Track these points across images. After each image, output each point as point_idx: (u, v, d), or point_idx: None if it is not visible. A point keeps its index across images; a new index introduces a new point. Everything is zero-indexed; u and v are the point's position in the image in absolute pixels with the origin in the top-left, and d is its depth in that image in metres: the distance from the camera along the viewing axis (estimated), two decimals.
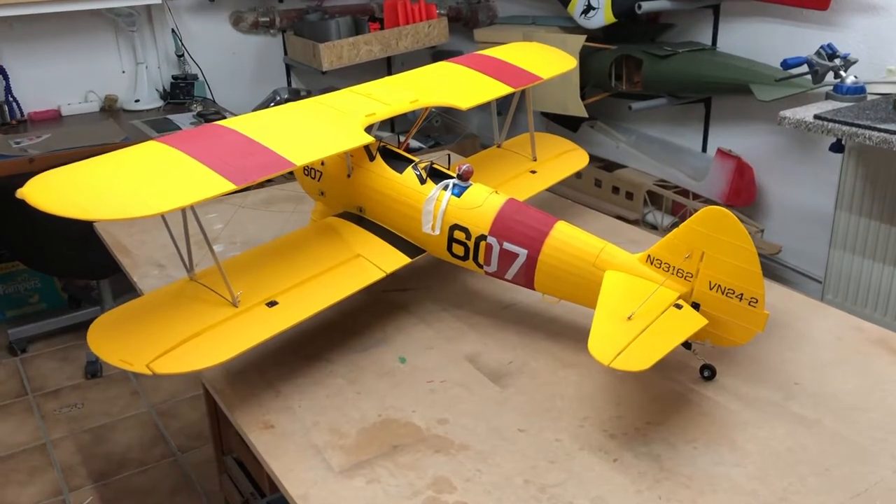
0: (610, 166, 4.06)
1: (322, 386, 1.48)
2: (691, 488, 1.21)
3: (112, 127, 3.66)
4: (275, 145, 1.46)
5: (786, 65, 2.81)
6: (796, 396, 1.41)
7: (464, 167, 1.64)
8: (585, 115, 3.80)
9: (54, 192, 1.25)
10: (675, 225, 3.82)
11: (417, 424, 1.37)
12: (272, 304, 1.46)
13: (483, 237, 1.58)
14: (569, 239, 1.52)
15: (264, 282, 1.51)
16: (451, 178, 1.66)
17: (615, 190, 3.96)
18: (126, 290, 3.76)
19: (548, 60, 2.14)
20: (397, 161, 1.72)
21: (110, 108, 3.98)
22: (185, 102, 4.04)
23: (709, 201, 3.66)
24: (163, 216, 1.32)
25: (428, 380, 1.50)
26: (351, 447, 1.32)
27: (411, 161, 1.71)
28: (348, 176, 1.75)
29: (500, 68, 2.00)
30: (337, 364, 1.55)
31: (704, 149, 3.84)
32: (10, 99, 3.72)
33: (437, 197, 1.63)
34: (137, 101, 4.03)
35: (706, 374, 1.47)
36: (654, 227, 3.82)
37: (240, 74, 4.38)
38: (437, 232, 1.63)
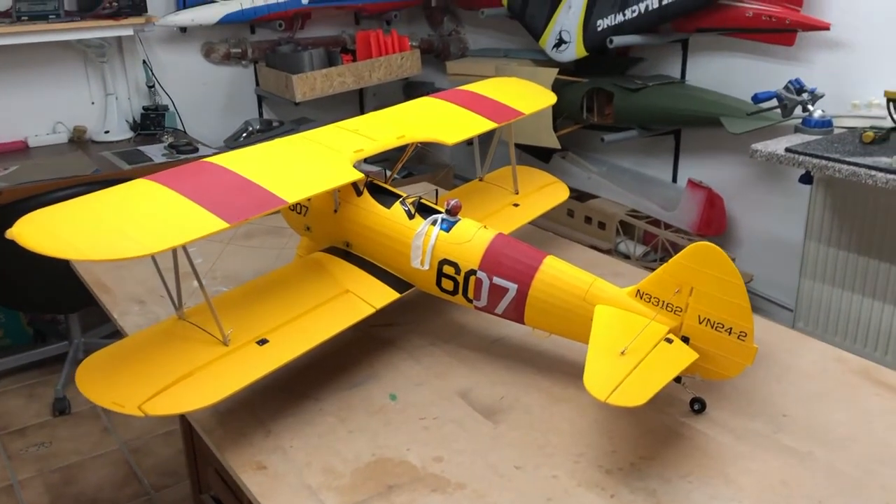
0: (582, 196, 4.11)
1: (313, 425, 1.47)
2: None
3: (82, 159, 3.62)
4: (265, 182, 1.45)
5: (756, 99, 2.88)
6: (786, 428, 1.43)
7: (452, 202, 1.65)
8: (558, 146, 3.85)
9: (46, 232, 1.23)
10: (646, 255, 3.89)
11: (412, 463, 1.36)
12: (263, 342, 1.44)
13: (473, 272, 1.59)
14: (558, 273, 1.53)
15: (253, 319, 1.49)
16: (440, 212, 1.66)
17: (587, 220, 4.00)
18: (96, 323, 3.70)
19: (528, 96, 2.17)
20: (385, 196, 1.72)
21: (79, 140, 3.93)
22: (156, 133, 4.00)
23: (680, 231, 3.72)
24: (153, 256, 1.31)
25: (420, 416, 1.49)
26: (346, 488, 1.31)
27: (399, 196, 1.71)
28: (335, 211, 1.74)
29: (482, 103, 2.02)
30: (327, 402, 1.54)
31: (675, 179, 3.90)
32: None
33: (425, 232, 1.63)
34: (107, 132, 3.99)
35: (696, 406, 1.48)
36: (626, 257, 3.86)
37: (211, 105, 4.36)
38: (427, 267, 1.63)
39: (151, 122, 4.06)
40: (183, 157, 3.63)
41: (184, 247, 1.35)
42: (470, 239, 1.60)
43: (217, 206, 1.34)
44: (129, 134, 4.04)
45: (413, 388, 1.58)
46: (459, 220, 1.64)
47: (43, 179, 3.25)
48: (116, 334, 3.81)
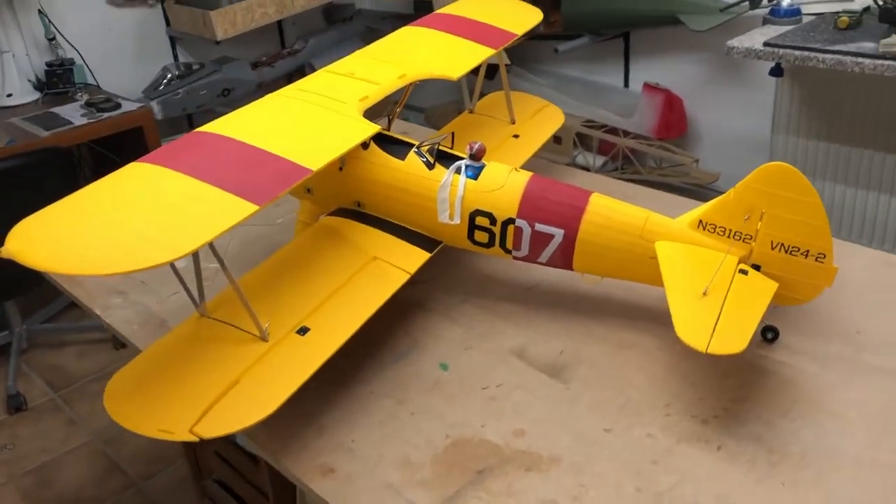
0: None
1: (369, 413, 1.32)
2: (810, 468, 1.14)
3: None
4: (280, 150, 1.26)
5: None
6: (865, 346, 1.37)
7: (476, 145, 1.48)
8: (507, 61, 3.66)
9: (49, 246, 1.02)
10: (605, 165, 3.80)
11: (494, 441, 1.24)
12: (303, 330, 1.27)
13: (511, 220, 1.44)
14: (609, 212, 1.41)
15: (284, 306, 1.32)
16: (462, 158, 1.50)
17: None
18: (35, 307, 3.40)
19: (515, 14, 1.99)
20: (395, 146, 1.54)
21: None
22: (67, 91, 3.62)
23: (639, 137, 3.64)
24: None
25: (482, 386, 1.36)
26: (431, 481, 1.18)
27: (411, 145, 1.54)
28: (340, 169, 1.55)
29: (473, 28, 1.83)
30: (374, 383, 1.39)
31: (626, 84, 3.79)
32: None
33: (451, 182, 1.47)
34: (10, 95, 3.58)
35: (770, 336, 1.40)
36: (586, 169, 3.77)
37: (121, 53, 3.97)
38: (457, 220, 1.47)
39: (59, 78, 3.65)
40: (106, 114, 3.29)
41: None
42: (502, 185, 1.45)
43: (239, 186, 1.15)
44: (36, 95, 3.63)
45: (462, 353, 1.45)
46: (485, 164, 1.49)
47: None
48: (59, 317, 3.53)
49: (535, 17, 2.00)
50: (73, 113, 3.36)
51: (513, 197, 1.44)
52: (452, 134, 1.58)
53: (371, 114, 1.51)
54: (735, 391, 1.30)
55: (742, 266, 1.33)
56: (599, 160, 3.78)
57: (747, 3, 2.76)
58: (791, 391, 1.29)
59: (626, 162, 3.70)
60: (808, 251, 1.30)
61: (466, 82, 2.05)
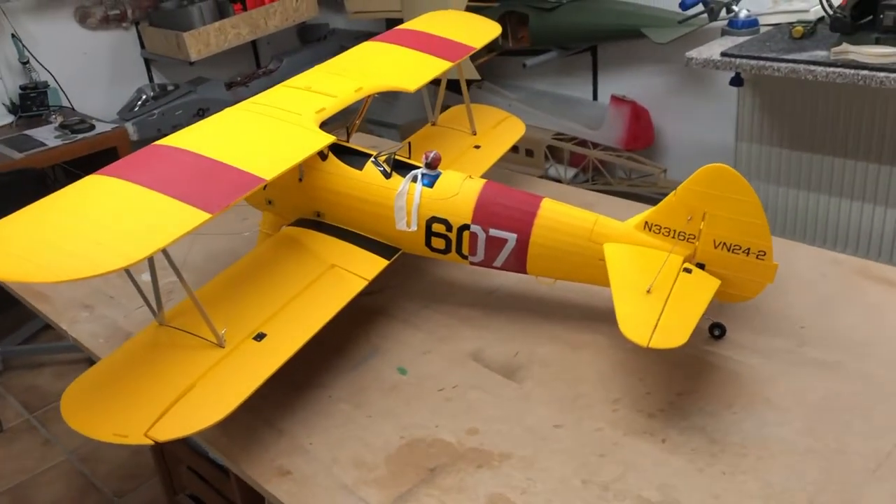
0: None
1: (327, 416, 1.36)
2: (748, 457, 1.18)
3: None
4: (235, 161, 1.29)
5: (684, 5, 2.83)
6: (808, 341, 1.42)
7: (431, 154, 1.53)
8: (478, 77, 3.73)
9: (5, 254, 1.04)
10: (576, 176, 3.86)
11: (447, 440, 1.27)
12: (260, 336, 1.31)
13: (466, 226, 1.48)
14: (559, 216, 1.45)
15: (242, 313, 1.35)
16: (418, 167, 1.54)
17: (514, 149, 3.90)
18: (10, 328, 3.40)
19: (472, 28, 2.04)
20: (352, 157, 1.58)
21: None
22: (41, 114, 3.64)
23: (608, 148, 3.70)
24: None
25: (439, 388, 1.40)
26: (385, 479, 1.21)
27: (368, 155, 1.58)
28: (300, 180, 1.59)
29: (430, 42, 1.88)
30: (334, 388, 1.42)
31: (595, 97, 3.86)
32: None
33: (407, 190, 1.51)
34: None
35: (716, 332, 1.44)
36: (558, 181, 3.82)
37: (96, 76, 4.00)
38: (414, 227, 1.51)
39: (32, 101, 3.68)
40: (80, 136, 3.32)
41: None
42: (457, 192, 1.49)
43: (192, 196, 1.18)
44: (10, 118, 3.66)
45: (421, 357, 1.48)
46: (441, 172, 1.53)
47: None
48: (35, 338, 3.53)
49: (493, 31, 2.05)
50: (47, 135, 3.38)
51: (467, 203, 1.48)
52: (409, 144, 1.62)
53: (331, 127, 1.55)
54: (681, 386, 1.34)
55: (686, 265, 1.37)
56: (571, 172, 3.84)
57: (706, 15, 2.83)
58: (735, 384, 1.33)
59: (596, 173, 3.76)
60: (749, 249, 1.34)
61: (430, 96, 2.10)
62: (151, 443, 1.11)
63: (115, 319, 1.70)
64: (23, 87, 3.70)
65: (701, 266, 1.38)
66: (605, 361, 1.42)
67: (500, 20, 3.70)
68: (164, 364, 1.23)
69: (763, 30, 2.79)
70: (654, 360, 1.40)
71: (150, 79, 4.23)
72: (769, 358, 1.38)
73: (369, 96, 1.69)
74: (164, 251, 1.24)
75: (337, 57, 1.81)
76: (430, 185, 1.51)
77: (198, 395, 1.18)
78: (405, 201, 1.51)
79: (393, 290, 1.69)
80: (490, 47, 3.83)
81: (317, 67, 1.75)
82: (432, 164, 1.53)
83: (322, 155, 1.58)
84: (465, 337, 1.53)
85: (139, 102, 3.82)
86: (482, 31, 2.03)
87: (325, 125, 1.53)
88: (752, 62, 2.52)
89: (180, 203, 1.17)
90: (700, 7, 2.81)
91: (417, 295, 1.67)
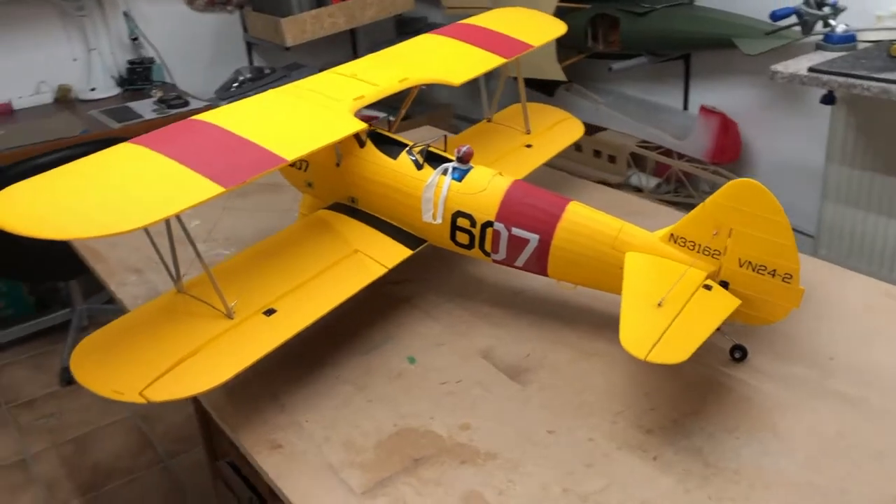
0: (590, 129, 3.95)
1: (329, 396, 1.38)
2: (741, 484, 1.13)
3: (68, 119, 3.48)
4: (261, 139, 1.33)
5: (774, 16, 2.71)
6: (835, 373, 1.34)
7: (463, 149, 1.52)
8: (564, 78, 3.68)
9: (25, 211, 1.12)
10: (659, 186, 3.76)
11: (438, 433, 1.27)
12: (270, 312, 1.34)
13: (489, 223, 1.48)
14: (583, 220, 1.42)
15: (259, 288, 1.39)
16: (450, 161, 1.54)
17: (597, 153, 3.86)
18: (98, 289, 3.61)
19: (535, 26, 2.02)
20: (390, 146, 1.60)
21: (65, 99, 3.78)
22: (143, 88, 3.84)
23: (693, 160, 3.59)
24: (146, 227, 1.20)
25: (442, 381, 1.40)
26: (369, 464, 1.22)
27: (405, 145, 1.59)
28: (337, 165, 1.62)
29: (488, 38, 1.88)
30: (342, 369, 1.44)
31: (686, 106, 3.74)
32: None
33: (436, 183, 1.51)
34: (93, 89, 3.84)
35: (737, 355, 1.38)
36: (638, 190, 3.74)
37: (199, 55, 4.19)
38: (439, 220, 1.52)
39: (138, 76, 3.89)
40: (174, 111, 3.49)
41: (177, 214, 1.23)
42: (484, 188, 1.49)
43: (210, 169, 1.23)
44: (116, 90, 3.88)
45: (433, 349, 1.49)
46: (472, 167, 1.52)
47: (29, 143, 3.12)
48: None
49: (557, 29, 2.03)
50: (145, 108, 3.57)
51: (493, 200, 1.47)
52: (445, 136, 1.62)
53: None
54: (688, 405, 1.29)
55: (708, 281, 1.32)
56: (653, 181, 3.74)
57: (799, 28, 2.70)
58: (744, 409, 1.27)
59: (679, 185, 3.65)
60: (775, 270, 1.28)
61: (487, 92, 2.09)
62: (145, 402, 1.16)
63: (158, 286, 1.77)
64: (130, 62, 3.92)
65: (725, 284, 1.33)
66: (615, 373, 1.38)
67: (591, 23, 3.65)
68: (173, 329, 1.28)
69: (861, 46, 2.64)
70: (665, 376, 1.35)
71: (250, 62, 4.39)
72: (787, 386, 1.31)
73: (415, 87, 1.71)
74: (183, 226, 1.30)
75: (391, 47, 1.83)
76: (460, 179, 1.51)
77: (197, 362, 1.22)
78: (433, 193, 1.51)
79: (421, 282, 1.70)
80: (580, 49, 3.79)
81: (369, 56, 1.77)
82: (464, 159, 1.52)
83: (360, 142, 1.60)
84: (480, 334, 1.52)
85: (235, 84, 3.97)
86: (545, 29, 2.01)
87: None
88: (841, 79, 2.39)
89: (197, 175, 1.21)
90: (793, 19, 2.68)
91: (444, 288, 1.67)
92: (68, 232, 1.09)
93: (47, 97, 3.77)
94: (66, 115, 3.54)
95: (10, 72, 3.68)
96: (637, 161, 3.76)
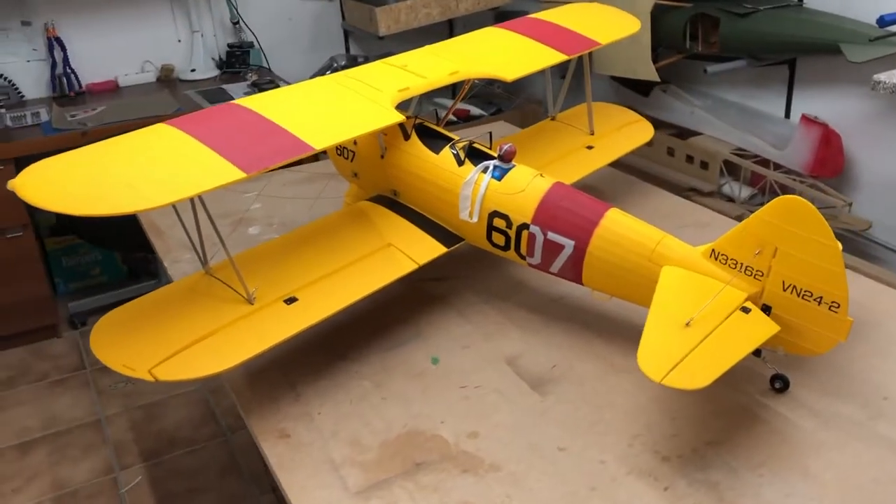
0: (684, 133, 3.79)
1: (346, 389, 1.36)
2: None
3: (166, 98, 3.60)
4: (293, 127, 1.32)
5: (882, 21, 2.51)
6: (885, 414, 1.22)
7: (505, 147, 1.47)
8: (657, 78, 3.54)
9: (47, 184, 1.15)
10: (753, 197, 3.57)
11: (445, 438, 1.24)
12: (291, 300, 1.33)
13: (525, 226, 1.42)
14: (621, 229, 1.35)
15: (286, 275, 1.39)
16: (493, 158, 1.50)
17: (689, 159, 3.70)
18: None
19: (608, 23, 1.94)
20: (435, 140, 1.57)
21: (167, 79, 3.92)
22: (240, 71, 3.95)
23: (791, 172, 3.38)
24: (174, 206, 1.22)
25: (461, 384, 1.36)
26: (370, 463, 1.20)
27: (450, 140, 1.55)
28: (381, 157, 1.60)
29: (553, 33, 1.81)
30: (364, 364, 1.43)
31: (787, 115, 3.53)
32: (69, 71, 3.69)
33: (475, 180, 1.47)
34: (193, 70, 3.96)
35: (778, 385, 1.28)
36: (730, 200, 3.56)
37: (296, 41, 4.26)
38: (475, 219, 1.48)
39: (236, 59, 4.00)
40: None
41: (200, 197, 1.24)
42: (523, 189, 1.43)
43: (235, 154, 1.23)
44: (215, 72, 4.00)
45: (458, 350, 1.45)
46: (514, 166, 1.48)
47: (127, 119, 3.26)
48: None
49: (631, 27, 1.94)
50: (238, 91, 3.66)
51: (531, 202, 1.42)
52: (490, 133, 1.58)
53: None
54: (714, 434, 1.21)
55: (747, 304, 1.23)
56: (747, 191, 3.55)
57: None
58: (774, 444, 1.17)
59: (774, 196, 3.45)
60: (821, 298, 1.18)
61: (551, 89, 2.03)
62: (153, 380, 1.17)
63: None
64: (230, 45, 4.03)
65: (767, 308, 1.23)
66: (642, 391, 1.31)
67: (691, 22, 3.49)
68: (193, 310, 1.30)
69: None
70: (695, 400, 1.27)
71: (347, 49, 4.44)
72: (829, 424, 1.21)
73: (468, 81, 1.66)
74: (206, 209, 1.31)
75: (451, 39, 1.80)
76: (500, 178, 1.46)
77: (210, 345, 1.23)
78: (471, 191, 1.47)
79: (459, 280, 1.66)
80: (678, 49, 3.64)
81: (426, 48, 1.74)
82: (505, 157, 1.47)
83: (405, 134, 1.58)
84: (510, 338, 1.47)
85: (329, 71, 4.02)
86: (617, 26, 1.93)
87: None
88: None
89: (222, 159, 1.22)
90: None
91: (482, 289, 1.63)
92: (80, 208, 1.11)
93: (150, 76, 3.92)
94: (164, 94, 3.68)
95: (118, 50, 3.84)
96: (731, 169, 3.58)
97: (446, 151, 1.52)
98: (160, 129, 1.30)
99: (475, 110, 4.18)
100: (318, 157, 2.23)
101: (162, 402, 3.03)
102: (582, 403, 1.29)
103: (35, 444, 2.84)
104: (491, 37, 1.81)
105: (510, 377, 1.37)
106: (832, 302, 1.17)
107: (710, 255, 1.28)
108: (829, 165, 3.26)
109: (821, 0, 3.20)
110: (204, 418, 2.94)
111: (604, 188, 2.02)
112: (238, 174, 1.20)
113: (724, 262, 1.26)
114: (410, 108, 1.64)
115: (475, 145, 1.53)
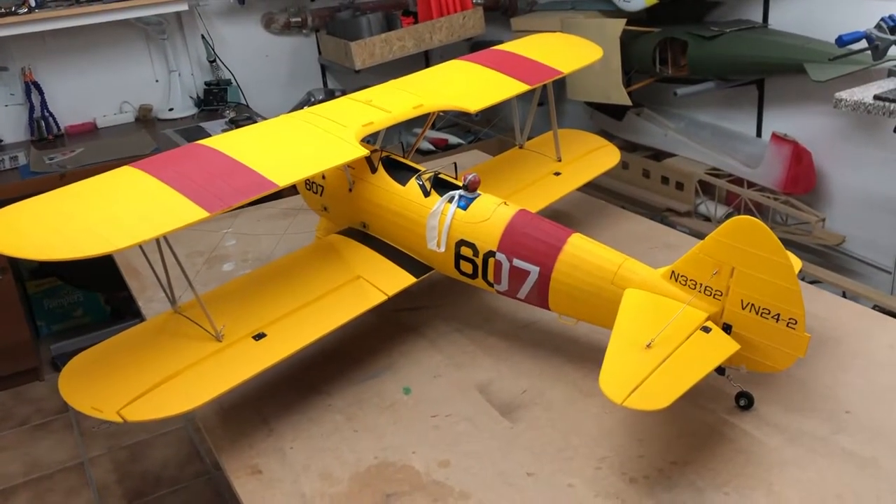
0: (658, 155, 3.84)
1: (318, 423, 1.37)
2: None
3: (143, 138, 3.63)
4: (257, 165, 1.34)
5: (841, 41, 2.56)
6: (847, 429, 1.24)
7: (469, 177, 1.50)
8: (629, 102, 3.59)
9: (10, 231, 1.16)
10: (729, 216, 3.60)
11: (416, 468, 1.24)
12: (259, 336, 1.35)
13: (492, 253, 1.44)
14: (584, 254, 1.37)
15: (254, 311, 1.40)
16: (458, 188, 1.52)
17: (664, 180, 3.74)
18: None
19: (570, 52, 1.98)
20: (402, 172, 1.59)
21: (145, 118, 3.95)
22: (218, 109, 3.98)
23: (764, 189, 3.43)
24: (140, 246, 1.23)
25: (432, 413, 1.37)
26: (340, 496, 1.20)
27: (416, 171, 1.58)
28: (350, 190, 1.62)
29: (516, 64, 1.85)
30: (336, 397, 1.43)
31: (759, 133, 3.59)
32: (47, 114, 3.71)
33: (441, 210, 1.49)
34: (171, 109, 3.99)
35: (742, 402, 1.30)
36: (707, 219, 3.60)
37: (274, 77, 4.30)
38: (443, 249, 1.49)
39: (214, 97, 4.03)
40: None
41: (165, 237, 1.25)
42: (488, 217, 1.46)
43: (198, 194, 1.25)
44: (193, 110, 4.03)
45: (429, 380, 1.46)
46: (479, 195, 1.50)
47: (104, 161, 3.28)
48: None
49: (593, 54, 1.97)
50: (216, 128, 3.68)
51: (495, 230, 1.44)
52: (455, 164, 1.60)
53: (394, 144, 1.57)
54: (680, 454, 1.22)
55: (708, 323, 1.25)
56: (722, 210, 3.59)
57: (870, 53, 2.54)
58: (740, 462, 1.19)
59: (749, 215, 3.49)
60: (778, 315, 1.20)
61: (519, 117, 2.06)
62: (121, 421, 1.18)
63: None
64: (207, 83, 4.06)
65: (728, 328, 1.25)
66: (609, 414, 1.32)
67: (660, 47, 3.55)
68: (161, 349, 1.31)
69: None
70: (661, 421, 1.28)
71: (325, 84, 4.48)
72: (793, 440, 1.22)
73: (431, 114, 1.69)
74: (171, 250, 1.33)
75: (415, 73, 1.83)
76: (465, 207, 1.48)
77: (178, 383, 1.24)
78: (438, 221, 1.49)
79: (432, 310, 1.68)
80: (648, 73, 3.70)
81: (390, 82, 1.77)
82: (470, 187, 1.50)
83: (372, 167, 1.60)
84: (480, 366, 1.49)
85: (307, 105, 4.05)
86: (579, 54, 1.97)
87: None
88: None
89: (185, 200, 1.23)
90: (863, 44, 2.53)
91: (455, 317, 1.65)
92: (44, 253, 1.12)
93: (129, 116, 3.94)
94: (142, 134, 3.70)
95: (96, 92, 3.87)
96: (706, 189, 3.62)
97: (412, 183, 1.55)
98: (125, 171, 1.32)
99: (453, 139, 4.22)
100: (292, 191, 2.25)
101: (146, 442, 3.01)
102: (550, 429, 1.30)
103: (17, 490, 2.81)
104: (455, 70, 1.84)
105: (481, 405, 1.38)
106: (789, 318, 1.19)
107: (671, 277, 1.30)
108: (802, 182, 3.31)
109: (785, 21, 3.27)
110: (189, 457, 2.92)
111: (576, 214, 2.05)
112: (201, 213, 1.22)
113: (683, 283, 1.29)
114: (378, 142, 1.66)
115: (441, 176, 1.55)
